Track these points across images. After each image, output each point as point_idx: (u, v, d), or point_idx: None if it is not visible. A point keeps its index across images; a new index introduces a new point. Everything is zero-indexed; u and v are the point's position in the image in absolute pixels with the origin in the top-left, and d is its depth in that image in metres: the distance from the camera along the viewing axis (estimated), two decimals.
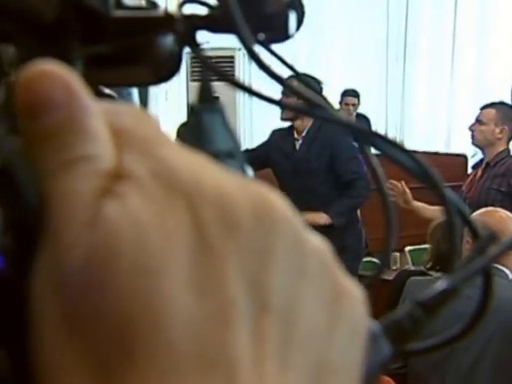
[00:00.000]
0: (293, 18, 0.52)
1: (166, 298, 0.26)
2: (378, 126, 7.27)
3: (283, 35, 0.52)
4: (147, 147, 0.29)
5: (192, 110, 0.46)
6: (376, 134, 0.41)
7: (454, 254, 0.41)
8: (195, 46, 0.46)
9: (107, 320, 0.26)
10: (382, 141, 0.41)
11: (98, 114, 0.29)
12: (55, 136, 0.28)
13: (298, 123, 4.74)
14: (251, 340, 0.27)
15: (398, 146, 0.41)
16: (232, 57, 6.21)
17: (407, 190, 4.21)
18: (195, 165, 0.29)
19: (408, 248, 5.82)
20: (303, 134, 4.77)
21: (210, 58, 0.49)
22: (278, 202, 0.29)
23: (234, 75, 0.53)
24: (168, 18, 0.47)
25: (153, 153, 0.29)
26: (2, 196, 0.27)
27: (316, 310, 0.30)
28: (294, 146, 4.79)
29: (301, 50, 7.18)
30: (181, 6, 0.49)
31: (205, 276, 0.27)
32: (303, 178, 4.64)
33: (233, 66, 6.27)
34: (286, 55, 0.50)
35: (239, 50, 6.24)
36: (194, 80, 5.94)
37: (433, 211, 4.03)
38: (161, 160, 0.28)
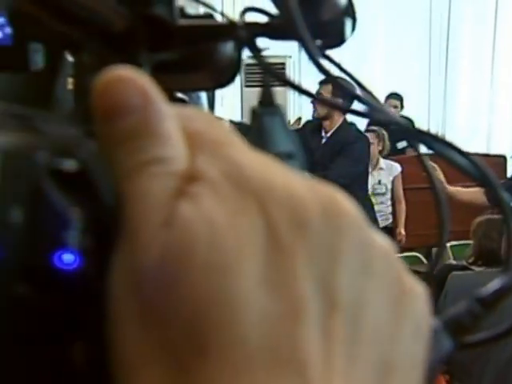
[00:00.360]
0: (348, 24, 0.52)
1: (239, 295, 0.25)
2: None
3: (339, 41, 0.52)
4: (218, 149, 0.28)
5: (254, 114, 0.46)
6: (432, 136, 0.40)
7: (510, 251, 0.39)
8: (257, 52, 0.45)
9: (182, 316, 0.25)
10: (438, 142, 0.40)
11: (171, 118, 0.29)
12: (131, 139, 0.28)
13: (326, 123, 4.74)
14: (321, 337, 0.26)
15: (454, 148, 0.40)
16: (283, 64, 6.22)
17: (443, 178, 4.14)
18: (265, 166, 0.28)
19: (449, 243, 5.78)
20: (328, 134, 4.77)
21: (270, 64, 0.48)
22: (345, 202, 0.29)
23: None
24: (231, 25, 0.46)
25: (224, 155, 0.28)
26: (81, 197, 0.26)
27: (381, 308, 0.29)
28: (320, 143, 4.79)
29: (345, 54, 7.13)
30: (242, 14, 0.48)
31: (276, 274, 0.26)
32: (320, 174, 4.65)
33: (284, 73, 6.24)
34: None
35: (289, 57, 6.24)
36: (248, 86, 5.95)
37: (470, 193, 3.96)
38: (232, 162, 0.28)
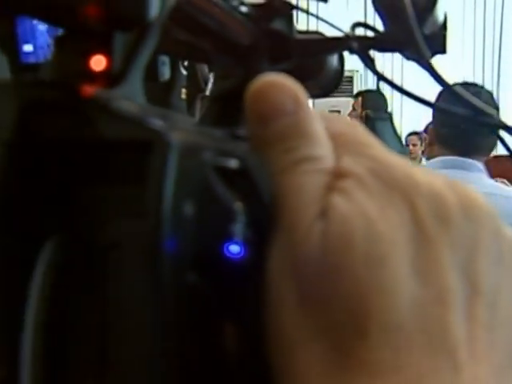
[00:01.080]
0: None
1: (395, 284, 0.25)
2: None
3: (439, 53, 0.51)
4: (361, 149, 0.28)
5: (366, 118, 0.45)
6: None
7: None
8: (370, 62, 0.44)
9: (343, 303, 0.25)
10: None
11: (318, 120, 0.28)
12: (283, 140, 0.27)
13: None
14: (465, 321, 0.26)
15: None
16: (351, 77, 6.21)
17: None
18: (406, 165, 0.28)
19: None
20: None
21: (378, 73, 0.47)
22: (479, 197, 0.28)
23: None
24: (346, 38, 0.45)
25: (367, 153, 0.28)
26: (242, 193, 0.26)
27: (511, 295, 0.28)
28: None
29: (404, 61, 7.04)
30: (353, 28, 0.47)
31: (424, 264, 0.26)
32: None
33: (351, 86, 6.25)
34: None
35: (357, 71, 6.20)
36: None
37: None
38: (376, 160, 0.27)
